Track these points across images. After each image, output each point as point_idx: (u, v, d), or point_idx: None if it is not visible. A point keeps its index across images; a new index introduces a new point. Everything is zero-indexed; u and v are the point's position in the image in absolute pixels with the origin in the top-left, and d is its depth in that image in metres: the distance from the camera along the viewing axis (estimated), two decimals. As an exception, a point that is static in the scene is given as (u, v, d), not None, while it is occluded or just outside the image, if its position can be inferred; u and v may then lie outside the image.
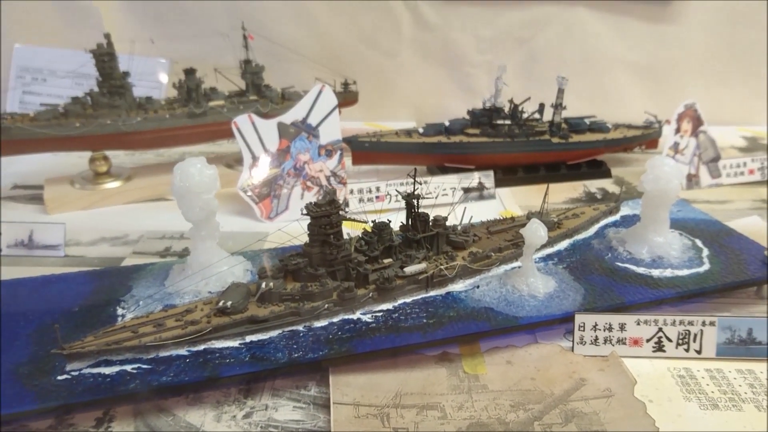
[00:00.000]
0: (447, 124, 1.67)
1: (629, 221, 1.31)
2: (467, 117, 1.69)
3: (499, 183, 1.64)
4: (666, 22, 2.07)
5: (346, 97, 1.82)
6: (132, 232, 1.39)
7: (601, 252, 1.19)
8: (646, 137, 1.76)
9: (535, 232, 1.03)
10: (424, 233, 1.07)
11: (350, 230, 1.06)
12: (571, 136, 1.70)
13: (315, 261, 0.98)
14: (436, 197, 1.52)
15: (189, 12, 2.00)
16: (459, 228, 1.16)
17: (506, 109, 1.68)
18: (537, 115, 1.70)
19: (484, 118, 1.65)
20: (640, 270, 1.12)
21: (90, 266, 1.22)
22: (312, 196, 1.46)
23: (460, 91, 2.16)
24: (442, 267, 1.04)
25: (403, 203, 1.47)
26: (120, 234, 1.38)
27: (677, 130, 1.64)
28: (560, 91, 1.68)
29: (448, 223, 1.12)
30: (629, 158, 1.83)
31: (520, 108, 1.68)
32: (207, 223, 1.04)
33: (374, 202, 1.49)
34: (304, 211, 0.97)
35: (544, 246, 1.20)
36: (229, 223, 1.43)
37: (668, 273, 1.12)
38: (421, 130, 1.66)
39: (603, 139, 1.71)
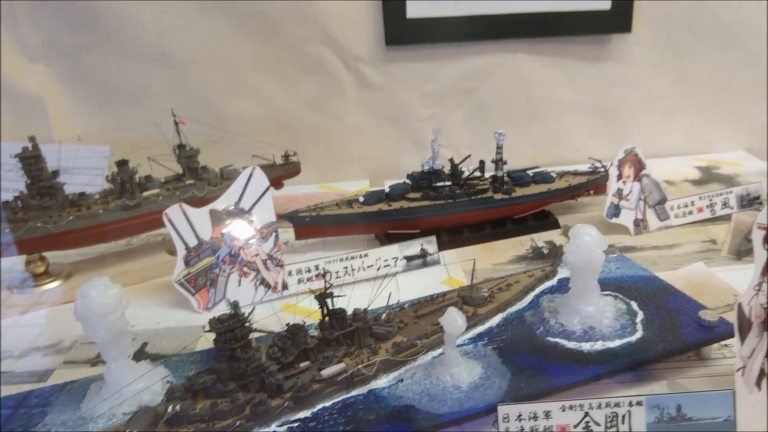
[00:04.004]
0: (387, 190, 1.66)
1: (567, 285, 1.28)
2: (408, 181, 1.67)
3: (445, 245, 1.62)
4: (607, 60, 2.07)
5: (288, 169, 1.82)
6: (67, 338, 1.36)
7: (534, 326, 1.16)
8: (593, 183, 1.74)
9: (453, 321, 1.00)
10: (341, 330, 1.05)
11: (261, 335, 1.03)
12: (515, 190, 1.68)
13: (224, 376, 0.95)
14: (378, 269, 1.51)
15: (137, 97, 2.00)
16: (384, 316, 1.14)
17: (446, 169, 1.67)
18: (477, 173, 1.68)
19: (424, 181, 1.63)
20: (571, 345, 1.10)
21: (18, 383, 1.19)
22: (249, 282, 1.44)
23: (411, 146, 2.16)
24: (359, 366, 1.01)
25: (346, 279, 1.49)
26: (54, 341, 1.35)
27: (619, 176, 1.62)
28: (499, 147, 1.67)
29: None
30: (579, 204, 1.81)
31: (460, 167, 1.67)
32: (117, 342, 1.02)
33: (314, 281, 1.47)
34: (207, 327, 0.94)
35: (475, 324, 1.17)
36: (166, 317, 1.42)
37: (599, 345, 1.09)
38: (361, 199, 1.64)
39: (547, 190, 1.70)
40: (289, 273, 1.46)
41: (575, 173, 1.77)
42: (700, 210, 1.68)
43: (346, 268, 1.49)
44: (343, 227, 1.64)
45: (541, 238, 1.66)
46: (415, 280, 1.49)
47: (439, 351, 1.09)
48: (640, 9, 1.98)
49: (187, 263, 1.42)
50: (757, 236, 0.96)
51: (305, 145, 2.13)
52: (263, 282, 1.45)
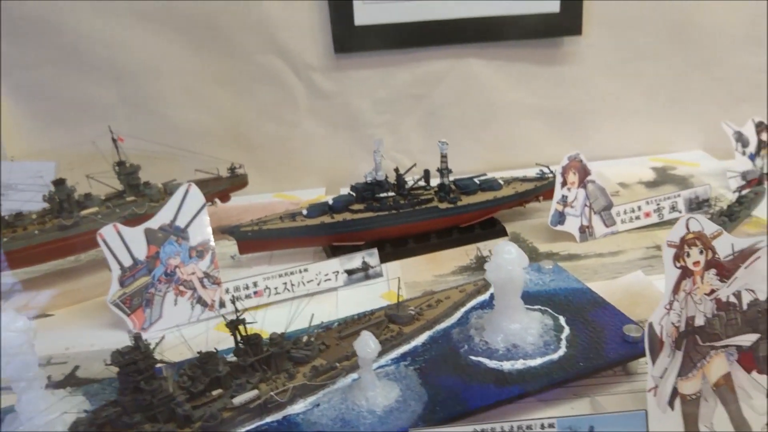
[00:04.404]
0: (330, 202, 1.64)
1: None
2: (352, 193, 1.66)
3: (389, 257, 1.61)
4: (560, 63, 2.05)
5: (234, 182, 1.80)
6: (2, 363, 1.34)
7: (459, 344, 1.15)
8: (540, 189, 1.73)
9: (365, 346, 0.99)
10: (256, 356, 1.03)
11: (167, 366, 1.01)
12: (461, 199, 1.66)
13: (129, 408, 0.94)
14: (318, 284, 1.50)
15: (89, 111, 1.98)
16: (305, 338, 1.12)
17: (392, 179, 1.66)
18: (422, 183, 1.67)
19: (367, 192, 1.62)
20: (492, 364, 1.08)
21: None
22: (186, 301, 1.43)
23: (366, 153, 2.11)
24: (272, 393, 1.00)
25: (286, 294, 1.48)
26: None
27: (564, 183, 1.61)
28: (443, 155, 1.66)
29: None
30: (528, 210, 1.80)
31: (404, 177, 1.65)
32: (25, 374, 1.00)
33: (252, 297, 1.46)
34: (109, 361, 0.93)
35: (399, 344, 1.16)
36: (102, 339, 1.41)
37: (519, 365, 1.08)
38: (304, 212, 1.63)
39: (494, 198, 1.68)
40: (227, 291, 1.44)
41: (523, 179, 1.76)
42: (647, 215, 1.67)
43: (285, 283, 1.47)
44: (286, 241, 1.62)
45: (487, 247, 1.64)
46: (355, 295, 1.48)
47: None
48: (591, 11, 1.96)
49: (122, 283, 1.41)
50: (668, 254, 0.96)
51: (260, 155, 2.12)
52: (200, 300, 1.43)
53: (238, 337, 1.03)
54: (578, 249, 1.59)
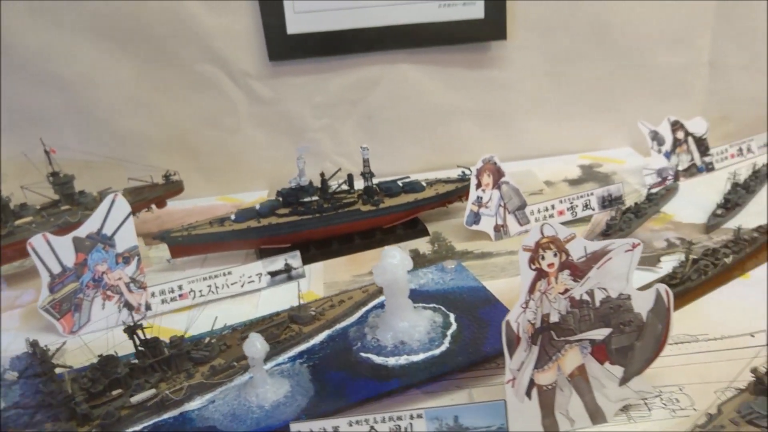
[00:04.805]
0: (258, 207, 1.72)
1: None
2: (279, 198, 1.74)
3: (313, 259, 1.69)
4: (489, 66, 2.13)
5: (169, 188, 1.88)
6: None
7: (353, 341, 1.24)
8: (461, 190, 1.80)
9: (252, 346, 1.07)
10: (155, 357, 1.12)
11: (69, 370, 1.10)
12: (383, 201, 1.74)
13: (32, 410, 1.02)
14: (242, 285, 1.58)
15: (33, 122, 2.04)
16: (207, 340, 1.21)
17: (317, 184, 1.74)
18: (345, 186, 1.75)
19: (292, 197, 1.70)
20: (379, 360, 1.17)
21: None
22: (113, 305, 1.51)
23: (307, 156, 2.20)
24: (166, 391, 1.08)
25: (210, 296, 1.56)
26: None
27: (478, 185, 1.69)
28: (365, 160, 1.74)
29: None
30: (452, 210, 1.88)
31: (329, 181, 1.73)
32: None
33: (178, 300, 1.54)
34: (7, 366, 1.01)
35: (297, 343, 1.25)
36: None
37: (403, 360, 1.16)
38: (233, 217, 1.71)
39: (415, 200, 1.76)
40: (152, 294, 1.52)
41: (446, 181, 1.84)
42: (561, 213, 1.76)
43: (209, 286, 1.55)
44: (215, 245, 1.70)
45: (408, 247, 1.73)
46: (276, 296, 1.56)
47: (258, 370, 1.17)
48: (515, 15, 2.03)
49: (51, 290, 1.49)
50: (523, 258, 1.04)
51: (204, 160, 2.20)
52: (126, 304, 1.51)
53: (137, 341, 1.11)
54: (492, 247, 1.67)
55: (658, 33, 2.11)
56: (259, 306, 1.52)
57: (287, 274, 1.61)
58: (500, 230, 1.70)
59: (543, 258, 1.03)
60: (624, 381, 1.07)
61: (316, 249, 1.70)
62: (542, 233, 1.03)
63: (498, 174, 1.71)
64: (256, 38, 2.02)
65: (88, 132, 2.07)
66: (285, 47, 2.02)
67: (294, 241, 1.69)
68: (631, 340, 1.06)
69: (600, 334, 1.06)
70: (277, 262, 1.61)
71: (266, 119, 2.15)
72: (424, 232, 1.78)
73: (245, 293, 1.58)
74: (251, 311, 1.49)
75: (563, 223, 1.73)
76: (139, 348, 1.11)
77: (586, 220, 1.77)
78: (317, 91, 2.12)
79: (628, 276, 1.05)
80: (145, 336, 1.11)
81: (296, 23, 1.99)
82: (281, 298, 1.54)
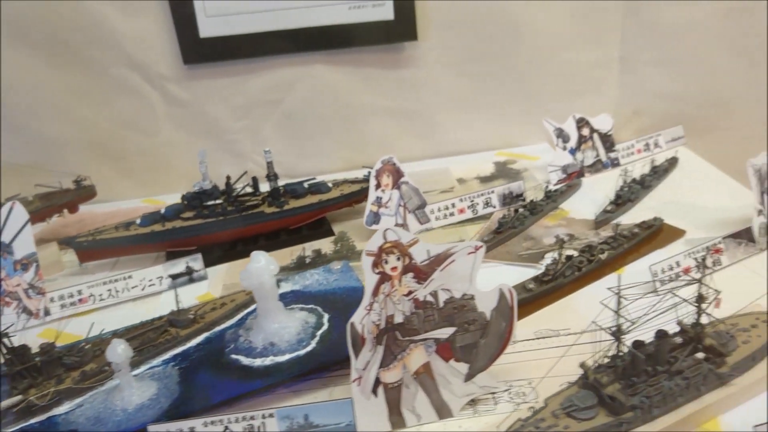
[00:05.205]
0: (162, 211, 1.75)
1: (284, 299, 1.40)
2: (185, 201, 1.77)
3: (218, 260, 1.73)
4: (404, 67, 2.16)
5: (82, 193, 1.91)
6: None
7: (228, 344, 1.28)
8: (367, 191, 1.84)
9: (112, 352, 1.11)
10: (23, 364, 1.15)
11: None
12: (288, 203, 1.78)
13: None
14: (143, 289, 1.62)
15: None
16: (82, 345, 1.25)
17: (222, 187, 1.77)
18: (249, 189, 1.79)
19: (196, 201, 1.73)
20: (247, 361, 1.22)
21: None
22: (11, 311, 1.54)
23: (228, 157, 2.25)
24: (31, 397, 1.12)
25: (110, 300, 1.60)
26: None
27: (378, 186, 1.73)
28: (269, 164, 1.77)
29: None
30: (360, 209, 1.92)
31: (233, 185, 1.77)
32: None
33: (78, 305, 1.57)
34: None
35: (173, 346, 1.29)
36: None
37: (269, 361, 1.21)
38: (138, 221, 1.74)
39: (320, 200, 1.81)
40: (51, 299, 1.56)
41: (352, 182, 1.88)
42: (461, 211, 1.80)
43: (109, 290, 1.59)
44: (121, 248, 1.74)
45: (312, 247, 1.77)
46: (180, 298, 1.60)
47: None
48: (426, 16, 2.07)
49: (-51, 298, 1.52)
50: (366, 262, 1.08)
51: (126, 163, 2.23)
52: (25, 310, 1.55)
53: (4, 350, 1.14)
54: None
55: (568, 31, 2.15)
56: (160, 309, 1.56)
57: (189, 276, 1.65)
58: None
59: (386, 262, 1.07)
60: (469, 377, 1.12)
61: (221, 251, 1.74)
62: (385, 238, 1.07)
63: (397, 174, 1.75)
64: (171, 42, 2.05)
65: (6, 138, 2.09)
66: (199, 51, 2.05)
67: (200, 244, 1.73)
68: (475, 338, 1.11)
69: (444, 333, 1.11)
70: (179, 265, 1.65)
71: (186, 121, 2.18)
72: (329, 233, 1.82)
73: (146, 296, 1.62)
74: (152, 314, 1.53)
75: (464, 221, 1.82)
76: (6, 356, 1.15)
77: (487, 217, 1.82)
78: (235, 92, 2.15)
79: (471, 277, 1.10)
80: (11, 344, 1.15)
81: (208, 27, 2.02)
82: (184, 301, 1.58)
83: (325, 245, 1.77)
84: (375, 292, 1.08)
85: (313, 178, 1.88)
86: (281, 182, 1.85)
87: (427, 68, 2.17)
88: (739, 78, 2.23)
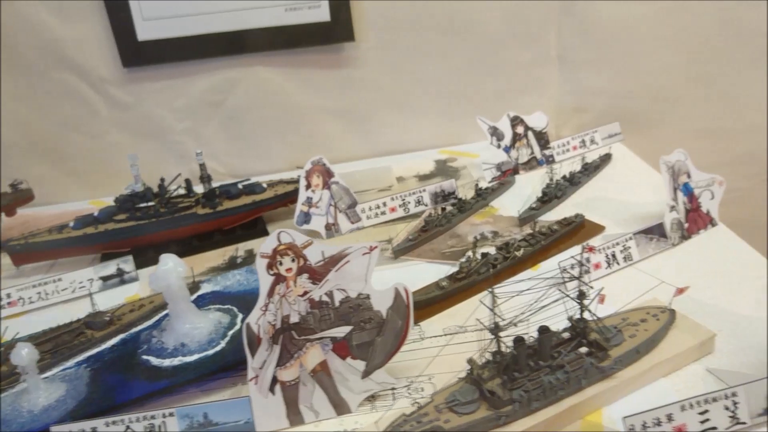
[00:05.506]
0: (96, 213, 1.77)
1: (203, 300, 1.43)
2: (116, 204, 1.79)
3: (151, 262, 1.73)
4: (345, 67, 2.19)
5: (19, 196, 1.92)
6: None
7: (141, 345, 1.30)
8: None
9: (16, 356, 1.14)
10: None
11: None
12: (222, 204, 1.81)
13: None
14: (73, 291, 1.64)
15: None
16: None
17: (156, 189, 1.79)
18: (181, 191, 1.81)
19: (128, 203, 1.75)
20: (156, 361, 1.24)
21: None
22: (-57, 314, 1.57)
23: (173, 158, 2.27)
24: (-63, 401, 1.15)
25: (40, 303, 1.62)
26: None
27: (308, 186, 1.76)
28: (201, 165, 1.80)
29: None
30: (293, 210, 1.94)
31: (167, 186, 1.79)
32: None
33: (7, 308, 1.60)
34: None
35: (87, 348, 1.32)
36: None
37: (177, 361, 1.23)
38: (71, 224, 1.76)
39: (253, 201, 1.83)
40: (-19, 303, 1.58)
41: (287, 182, 1.91)
42: (392, 210, 1.84)
43: (39, 293, 1.61)
44: (56, 251, 1.76)
45: (246, 247, 1.80)
46: (107, 300, 1.62)
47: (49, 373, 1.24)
48: (362, 17, 2.09)
49: None
50: (261, 264, 1.11)
51: (72, 164, 2.25)
52: (-47, 314, 1.57)
53: None
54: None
55: (504, 30, 2.18)
56: (89, 311, 1.58)
57: (120, 278, 1.68)
58: (331, 228, 1.78)
59: (281, 263, 1.11)
60: (366, 374, 1.15)
61: (155, 252, 1.76)
62: (279, 240, 1.11)
63: (327, 174, 1.78)
64: (110, 46, 2.06)
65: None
66: (138, 54, 2.07)
67: (133, 246, 1.75)
68: (371, 336, 1.15)
69: (340, 332, 1.14)
70: (110, 267, 1.67)
71: (129, 123, 2.19)
72: (264, 233, 1.85)
73: (77, 298, 1.64)
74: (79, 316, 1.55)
75: (395, 220, 1.85)
76: None
77: (418, 215, 1.85)
78: (177, 94, 2.17)
79: (366, 277, 1.13)
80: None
81: (146, 30, 2.03)
82: (110, 302, 1.60)
83: (258, 245, 1.79)
84: (270, 293, 1.11)
85: (248, 179, 1.91)
86: (219, 183, 1.88)
87: (367, 68, 2.20)
88: (677, 74, 2.27)
